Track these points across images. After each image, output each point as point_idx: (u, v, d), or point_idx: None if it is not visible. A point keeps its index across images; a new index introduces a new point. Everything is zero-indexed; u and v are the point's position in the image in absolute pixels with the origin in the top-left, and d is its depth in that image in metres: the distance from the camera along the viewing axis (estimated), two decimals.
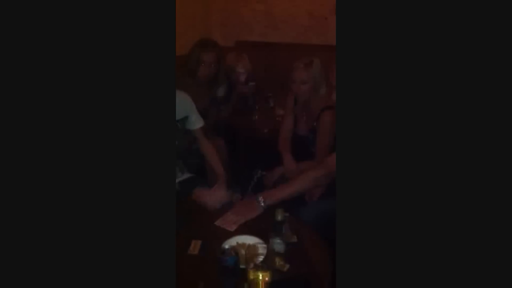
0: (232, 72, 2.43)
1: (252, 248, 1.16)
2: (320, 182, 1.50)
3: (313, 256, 1.20)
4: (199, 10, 3.16)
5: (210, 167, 1.78)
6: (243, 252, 1.16)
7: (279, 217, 1.17)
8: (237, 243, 1.21)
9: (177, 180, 1.72)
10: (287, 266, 1.15)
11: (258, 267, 1.02)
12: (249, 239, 1.22)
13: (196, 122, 1.76)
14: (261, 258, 1.13)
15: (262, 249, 1.16)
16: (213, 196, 1.48)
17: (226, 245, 1.18)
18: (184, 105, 1.70)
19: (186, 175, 1.77)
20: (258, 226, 1.30)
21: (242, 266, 1.11)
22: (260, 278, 1.01)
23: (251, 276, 1.02)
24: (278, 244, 1.15)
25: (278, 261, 1.14)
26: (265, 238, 1.20)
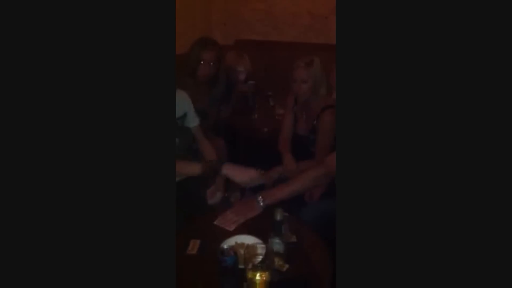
0: (232, 71, 2.42)
1: (251, 248, 1.16)
2: (319, 181, 1.50)
3: (312, 256, 1.20)
4: (199, 9, 3.16)
5: None
6: (242, 252, 1.15)
7: (279, 217, 1.17)
8: (236, 243, 1.20)
9: (176, 179, 1.71)
10: (286, 266, 1.14)
11: (257, 267, 1.01)
12: (248, 239, 1.22)
13: (193, 120, 1.76)
14: (260, 258, 1.12)
15: (261, 249, 1.15)
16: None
17: (225, 245, 1.18)
18: (182, 103, 1.69)
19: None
20: (257, 226, 1.29)
21: (241, 266, 1.10)
22: (259, 278, 1.00)
23: (250, 276, 1.01)
24: (277, 244, 1.14)
25: (277, 261, 1.13)
26: (264, 238, 1.20)
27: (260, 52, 2.92)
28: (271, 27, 3.17)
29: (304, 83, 1.82)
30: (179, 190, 1.55)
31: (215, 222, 1.36)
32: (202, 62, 2.04)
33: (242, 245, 1.18)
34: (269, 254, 1.09)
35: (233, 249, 1.15)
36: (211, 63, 2.07)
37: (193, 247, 1.23)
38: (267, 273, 1.01)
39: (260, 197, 1.38)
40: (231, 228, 1.32)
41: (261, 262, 1.05)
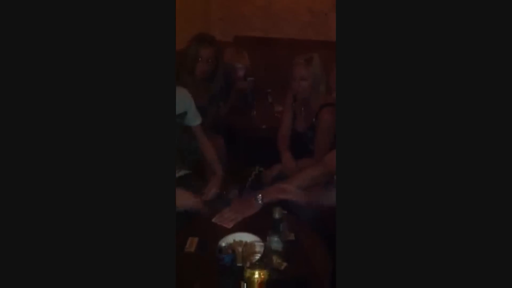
0: (231, 67, 2.40)
1: (249, 246, 1.15)
2: (318, 180, 1.49)
3: (311, 255, 1.19)
4: (199, 5, 3.14)
5: (209, 165, 1.77)
6: (240, 250, 1.15)
7: (277, 215, 1.16)
8: (234, 240, 1.20)
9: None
10: (285, 264, 1.14)
11: (255, 265, 1.01)
12: (246, 237, 1.21)
13: (194, 119, 1.75)
14: (258, 256, 1.12)
15: (259, 247, 1.14)
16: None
17: (223, 243, 1.17)
18: (183, 100, 1.68)
19: (183, 172, 1.75)
20: (256, 224, 1.29)
21: (239, 264, 1.10)
22: (257, 276, 1.00)
23: (248, 274, 1.01)
24: (275, 242, 1.14)
25: (276, 259, 1.13)
26: (263, 236, 1.19)
27: (259, 49, 2.91)
28: (270, 23, 3.15)
29: (304, 81, 1.81)
30: (177, 187, 1.55)
31: (213, 220, 1.35)
32: (200, 59, 2.03)
33: (240, 243, 1.18)
34: (268, 252, 1.09)
35: (231, 247, 1.15)
36: (209, 60, 2.05)
37: (191, 244, 1.22)
38: (265, 271, 1.01)
39: (260, 195, 1.38)
40: (229, 225, 1.31)
41: (260, 260, 1.05)
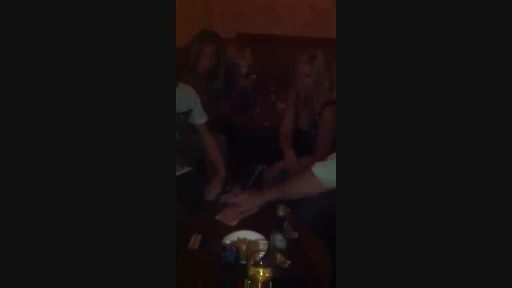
0: (233, 64, 2.39)
1: (253, 244, 1.15)
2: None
3: (313, 253, 1.19)
4: (200, 2, 3.13)
5: (211, 163, 1.77)
6: (243, 247, 1.14)
7: (281, 213, 1.16)
8: (238, 238, 1.19)
9: (176, 174, 1.70)
10: (288, 262, 1.14)
11: (259, 264, 1.01)
12: (250, 235, 1.21)
13: (200, 117, 1.74)
14: (262, 254, 1.11)
15: (263, 245, 1.14)
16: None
17: (227, 241, 1.17)
18: (188, 98, 1.67)
19: (186, 169, 1.75)
20: (259, 222, 1.29)
21: (243, 262, 1.10)
22: (261, 274, 1.00)
23: (252, 272, 1.00)
24: (279, 241, 1.14)
25: (279, 258, 1.12)
26: (265, 234, 1.19)
27: (261, 46, 2.89)
28: (272, 20, 3.14)
29: (307, 78, 1.80)
30: (178, 185, 1.55)
31: (216, 217, 1.35)
32: (203, 56, 2.02)
33: (244, 240, 1.18)
34: (271, 250, 1.08)
35: (235, 244, 1.14)
36: (212, 57, 2.04)
37: (195, 242, 1.22)
38: (269, 269, 1.00)
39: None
40: (233, 223, 1.31)
41: (263, 258, 1.04)
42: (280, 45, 3.01)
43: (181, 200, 1.47)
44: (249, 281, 1.01)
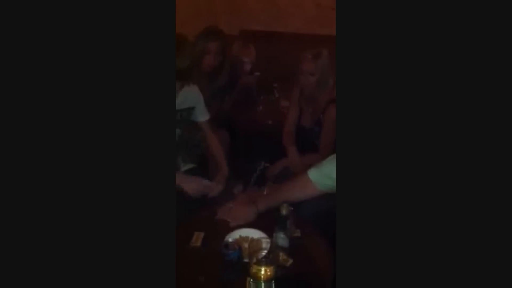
0: (237, 62, 2.38)
1: (255, 242, 1.15)
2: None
3: (315, 252, 1.19)
4: None
5: (214, 161, 1.76)
6: (246, 245, 1.14)
7: (284, 212, 1.15)
8: (240, 236, 1.19)
9: (179, 171, 1.70)
10: (291, 261, 1.13)
11: (261, 262, 1.01)
12: (252, 233, 1.21)
13: (203, 115, 1.74)
14: (264, 253, 1.11)
15: (265, 243, 1.14)
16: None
17: (230, 239, 1.17)
18: (191, 95, 1.67)
19: (188, 166, 1.75)
20: (262, 220, 1.28)
21: (245, 260, 1.10)
22: (263, 272, 1.00)
23: (255, 270, 1.00)
24: (282, 239, 1.14)
25: (282, 256, 1.12)
26: (269, 232, 1.19)
27: (264, 43, 2.88)
28: (276, 17, 3.12)
29: (311, 76, 1.79)
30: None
31: (216, 217, 1.34)
32: (208, 53, 2.01)
33: (246, 238, 1.18)
34: (274, 248, 1.08)
35: (237, 242, 1.14)
36: (217, 54, 2.04)
37: (197, 239, 1.22)
38: (271, 268, 1.00)
39: (265, 192, 1.37)
40: (233, 224, 1.30)
41: (266, 256, 1.04)
42: (284, 42, 2.99)
43: (183, 196, 1.47)
44: (251, 280, 1.01)
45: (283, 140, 1.99)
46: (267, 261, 1.01)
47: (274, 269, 1.00)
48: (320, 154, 1.82)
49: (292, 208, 1.20)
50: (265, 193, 1.41)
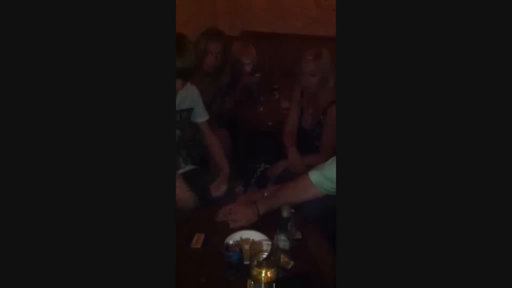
0: (238, 63, 2.38)
1: (256, 244, 1.14)
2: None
3: (317, 254, 1.18)
4: None
5: (214, 161, 1.76)
6: (247, 247, 1.14)
7: (285, 214, 1.15)
8: (241, 238, 1.19)
9: (180, 172, 1.70)
10: (292, 263, 1.13)
11: (262, 264, 1.00)
12: (253, 235, 1.20)
13: (201, 115, 1.74)
14: (265, 255, 1.11)
15: (266, 245, 1.13)
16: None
17: (230, 241, 1.16)
18: (191, 96, 1.67)
19: (189, 167, 1.74)
20: (263, 222, 1.28)
21: (246, 262, 1.09)
22: (264, 275, 0.99)
23: (255, 273, 1.00)
24: (283, 241, 1.13)
25: (283, 258, 1.12)
26: (268, 233, 1.18)
27: (266, 44, 2.88)
28: (277, 18, 3.12)
29: (312, 76, 1.78)
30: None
31: (217, 219, 1.33)
32: (209, 54, 2.01)
33: (247, 240, 1.17)
34: (275, 251, 1.08)
35: (238, 244, 1.14)
36: (218, 55, 2.04)
37: (198, 241, 1.21)
38: (272, 270, 1.00)
39: (266, 193, 1.37)
40: (234, 226, 1.29)
41: (267, 258, 1.04)
42: (286, 42, 2.99)
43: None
44: (252, 282, 1.01)
45: (284, 141, 1.98)
46: (268, 263, 1.01)
47: (275, 271, 1.00)
48: (321, 155, 1.81)
49: (293, 210, 1.20)
50: (265, 194, 1.39)
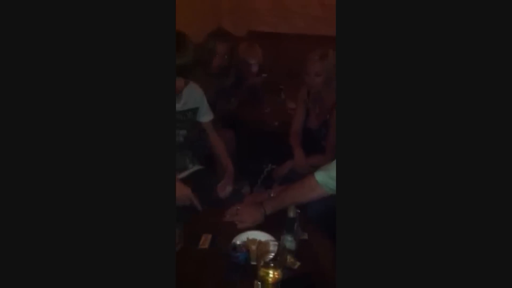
0: (244, 63, 2.39)
1: (263, 244, 1.15)
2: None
3: (321, 255, 1.18)
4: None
5: (219, 161, 1.77)
6: (254, 248, 1.14)
7: (292, 214, 1.15)
8: (248, 238, 1.19)
9: (187, 172, 1.70)
10: (298, 263, 1.13)
11: (269, 265, 1.01)
12: (260, 235, 1.21)
13: (206, 115, 1.74)
14: (272, 255, 1.11)
15: (273, 246, 1.14)
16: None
17: (237, 241, 1.17)
18: (195, 96, 1.67)
19: (196, 167, 1.75)
20: (269, 222, 1.28)
21: (253, 263, 1.10)
22: (271, 275, 1.00)
23: (262, 273, 1.00)
24: (289, 242, 1.14)
25: (289, 259, 1.12)
26: (276, 235, 1.19)
27: (270, 44, 2.87)
28: (282, 18, 3.11)
29: (318, 76, 1.78)
30: (190, 183, 1.55)
31: (224, 219, 1.34)
32: (216, 55, 2.02)
33: (254, 241, 1.17)
34: (282, 251, 1.08)
35: (245, 245, 1.14)
36: (225, 55, 2.05)
37: (205, 241, 1.22)
38: (279, 270, 1.00)
39: (272, 194, 1.37)
40: (241, 226, 1.30)
41: (273, 259, 1.04)
42: (291, 43, 2.98)
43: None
44: (259, 282, 1.01)
45: (290, 141, 1.98)
46: (275, 263, 1.01)
47: (282, 272, 1.00)
48: (326, 155, 1.81)
49: (299, 211, 1.20)
50: (272, 195, 1.40)
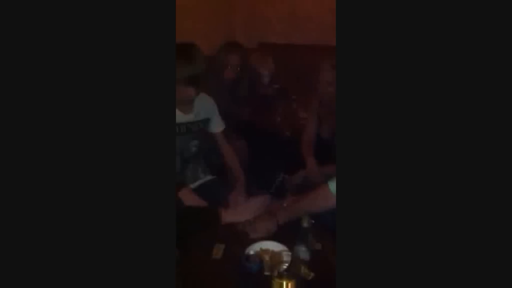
0: (256, 74, 2.40)
1: (276, 255, 1.13)
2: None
3: (333, 262, 1.16)
4: (222, 11, 3.15)
5: (231, 171, 1.77)
6: (267, 258, 1.13)
7: (305, 224, 1.14)
8: (261, 249, 1.18)
9: (198, 182, 1.71)
10: (312, 274, 1.11)
11: (283, 275, 0.99)
12: (273, 245, 1.19)
13: (218, 125, 1.75)
14: (285, 266, 1.10)
15: (286, 256, 1.13)
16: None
17: (251, 251, 1.16)
18: (207, 106, 1.69)
19: (208, 177, 1.76)
20: (282, 232, 1.27)
21: (266, 273, 1.08)
22: (285, 286, 0.98)
23: (276, 284, 0.99)
24: (303, 252, 1.12)
25: (303, 269, 1.10)
26: (289, 244, 1.17)
27: (282, 53, 2.88)
28: (293, 28, 3.13)
29: (330, 86, 1.78)
30: (201, 192, 1.56)
31: (237, 229, 1.33)
32: (229, 67, 2.05)
33: (267, 251, 1.16)
34: (295, 262, 1.07)
35: (258, 255, 1.13)
36: (237, 67, 2.07)
37: (218, 251, 1.22)
38: (293, 281, 0.99)
39: (285, 204, 1.36)
40: (254, 236, 1.29)
41: (287, 270, 1.03)
42: (303, 52, 2.99)
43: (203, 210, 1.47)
44: None
45: (302, 150, 1.98)
46: (289, 274, 1.00)
47: (296, 283, 0.99)
48: None
49: (313, 221, 1.19)
50: (285, 205, 1.39)
